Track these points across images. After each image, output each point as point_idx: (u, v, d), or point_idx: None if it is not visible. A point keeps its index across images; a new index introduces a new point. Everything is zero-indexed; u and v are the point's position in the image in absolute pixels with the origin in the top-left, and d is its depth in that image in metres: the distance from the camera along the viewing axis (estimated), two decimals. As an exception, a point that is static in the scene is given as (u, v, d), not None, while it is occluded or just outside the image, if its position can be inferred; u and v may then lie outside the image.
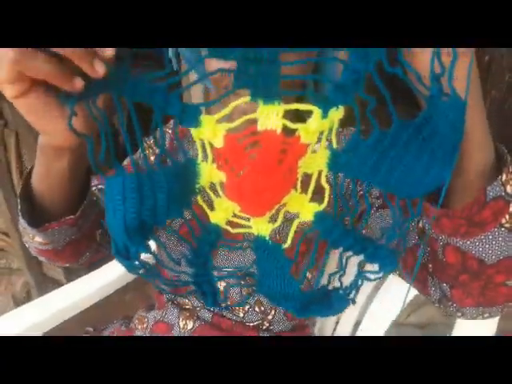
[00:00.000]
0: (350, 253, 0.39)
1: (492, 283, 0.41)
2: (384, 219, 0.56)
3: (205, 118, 0.36)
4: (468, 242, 0.40)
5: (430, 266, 0.48)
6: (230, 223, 0.42)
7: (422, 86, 0.32)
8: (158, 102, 0.35)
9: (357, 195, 0.39)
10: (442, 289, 0.46)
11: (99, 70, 0.32)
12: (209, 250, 0.43)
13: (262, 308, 0.64)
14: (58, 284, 1.67)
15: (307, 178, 0.39)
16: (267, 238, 0.41)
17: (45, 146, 0.42)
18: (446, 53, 0.31)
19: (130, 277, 0.95)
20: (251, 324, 0.65)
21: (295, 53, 0.40)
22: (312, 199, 0.40)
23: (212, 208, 0.42)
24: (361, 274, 0.40)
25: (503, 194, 0.38)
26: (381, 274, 0.39)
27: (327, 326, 0.90)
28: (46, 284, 1.69)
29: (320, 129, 0.36)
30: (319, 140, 0.37)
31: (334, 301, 0.41)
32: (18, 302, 1.69)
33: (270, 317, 0.66)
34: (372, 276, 0.40)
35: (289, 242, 0.40)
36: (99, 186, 0.64)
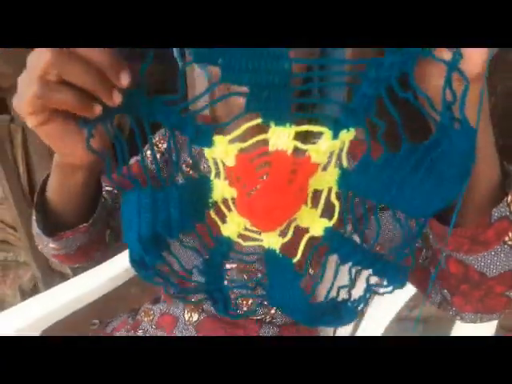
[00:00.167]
0: (358, 267, 0.40)
1: (492, 293, 0.42)
2: (383, 222, 0.57)
3: (217, 139, 0.37)
4: (471, 258, 0.41)
5: (432, 270, 0.48)
6: (241, 236, 0.43)
7: (433, 111, 0.33)
8: (173, 123, 0.36)
9: (367, 213, 0.40)
10: (442, 294, 0.47)
11: (116, 99, 0.33)
12: (221, 261, 0.44)
13: (265, 302, 0.65)
14: (64, 277, 1.69)
15: (318, 193, 0.40)
16: (277, 252, 0.42)
17: (61, 164, 0.44)
18: (457, 79, 0.31)
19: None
20: (255, 317, 0.67)
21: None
22: (322, 215, 0.41)
23: (224, 221, 0.43)
24: (370, 288, 0.41)
25: (508, 214, 0.38)
26: (390, 288, 0.40)
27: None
28: (53, 277, 1.71)
29: (330, 149, 0.37)
30: (329, 159, 0.38)
31: (343, 312, 0.42)
32: (25, 295, 1.71)
33: (272, 311, 0.67)
34: (381, 290, 0.41)
35: (298, 256, 0.41)
36: (106, 188, 0.65)
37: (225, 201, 0.42)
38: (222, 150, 0.38)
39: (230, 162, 0.38)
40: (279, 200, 0.38)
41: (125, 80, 0.33)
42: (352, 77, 0.37)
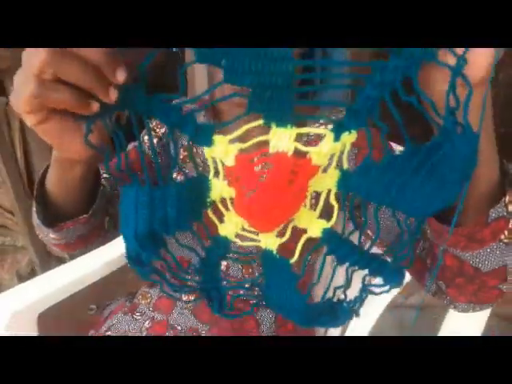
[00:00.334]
0: (355, 267, 0.40)
1: (485, 287, 0.43)
2: (381, 216, 0.57)
3: (217, 138, 0.37)
4: (466, 254, 0.42)
5: (429, 261, 0.49)
6: (238, 236, 0.43)
7: (437, 116, 0.33)
8: (173, 121, 0.36)
9: (366, 214, 0.40)
10: (438, 284, 0.48)
11: (112, 96, 0.33)
12: (217, 261, 0.44)
13: (260, 279, 0.65)
14: (61, 262, 1.69)
15: (317, 195, 0.40)
16: (274, 252, 0.42)
17: (59, 159, 0.45)
18: (461, 84, 0.31)
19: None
20: (251, 301, 0.67)
21: None
22: (320, 216, 0.41)
23: (222, 221, 0.43)
24: (365, 288, 0.42)
25: (505, 214, 0.39)
26: (386, 288, 0.40)
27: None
28: (50, 262, 1.72)
29: (332, 151, 0.37)
30: (330, 161, 0.38)
31: (339, 313, 0.42)
32: (22, 280, 1.71)
33: (260, 279, 0.67)
34: (377, 289, 0.41)
35: (296, 256, 0.41)
36: (105, 176, 0.65)
37: (223, 200, 0.42)
38: (222, 150, 0.38)
39: (230, 161, 0.38)
40: (278, 201, 0.38)
41: (121, 76, 0.33)
42: (355, 79, 0.37)
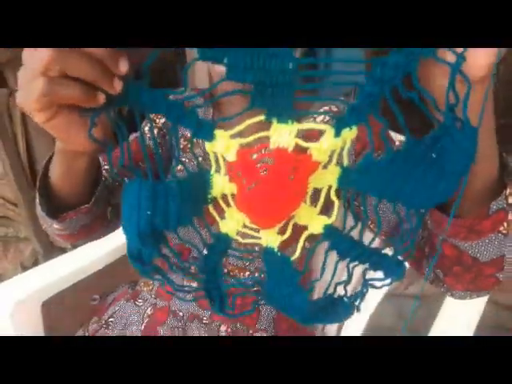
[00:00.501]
0: (355, 262, 0.41)
1: (483, 275, 0.44)
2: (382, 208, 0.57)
3: (219, 133, 0.37)
4: (466, 244, 0.43)
5: (427, 250, 0.49)
6: (240, 233, 0.43)
7: (437, 112, 0.33)
8: (175, 116, 0.36)
9: (366, 209, 0.40)
10: (435, 273, 0.49)
11: (117, 86, 0.33)
12: (218, 259, 0.44)
13: (262, 275, 0.66)
14: (64, 252, 1.70)
15: (317, 191, 0.40)
16: (276, 250, 0.42)
17: (64, 150, 0.45)
18: (461, 81, 0.31)
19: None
20: (252, 299, 0.67)
21: None
22: (321, 212, 0.41)
23: (223, 217, 0.43)
24: (366, 283, 0.42)
25: (505, 205, 0.39)
26: (387, 281, 0.40)
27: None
28: (53, 253, 1.73)
29: (332, 148, 0.37)
30: (331, 158, 0.38)
31: (340, 309, 0.43)
32: (26, 270, 1.72)
33: (262, 276, 0.68)
34: (378, 283, 0.41)
35: (297, 253, 0.41)
36: (106, 167, 0.66)
37: (224, 196, 0.42)
38: (223, 145, 0.38)
39: (231, 156, 0.38)
40: (279, 196, 0.38)
41: (123, 67, 0.33)
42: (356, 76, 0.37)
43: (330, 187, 0.40)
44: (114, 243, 0.93)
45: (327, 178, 0.39)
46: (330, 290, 0.44)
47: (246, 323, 0.67)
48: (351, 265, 0.41)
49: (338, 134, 0.36)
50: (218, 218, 0.42)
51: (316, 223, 0.41)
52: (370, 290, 0.44)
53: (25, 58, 0.32)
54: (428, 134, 0.34)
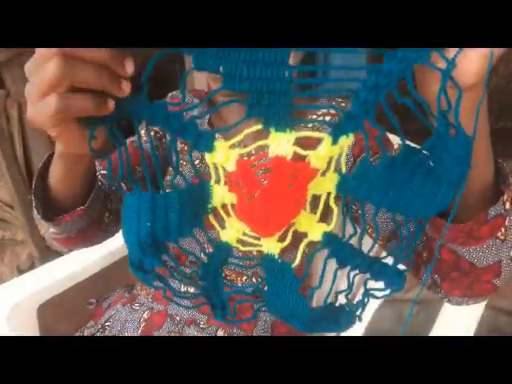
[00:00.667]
0: (356, 271, 0.41)
1: (480, 281, 0.44)
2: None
3: (218, 144, 0.38)
4: (463, 249, 0.43)
5: (425, 255, 0.49)
6: (240, 241, 0.43)
7: (432, 117, 0.33)
8: (175, 127, 0.36)
9: (365, 216, 0.40)
10: (433, 278, 0.49)
11: (125, 88, 0.33)
12: (219, 267, 0.44)
13: (260, 279, 0.65)
14: (61, 256, 1.69)
15: (316, 198, 0.40)
16: (276, 257, 0.43)
17: (65, 154, 0.46)
18: (452, 87, 0.31)
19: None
20: (253, 306, 0.67)
21: None
22: (321, 220, 0.41)
23: (223, 227, 0.43)
24: (367, 292, 0.42)
25: (503, 211, 0.40)
26: (387, 291, 0.41)
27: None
28: (50, 256, 1.72)
29: (330, 155, 0.37)
30: (329, 164, 0.39)
31: (342, 318, 0.43)
32: (22, 274, 1.71)
33: (266, 288, 0.67)
34: (379, 294, 0.41)
35: (297, 261, 0.41)
36: (102, 172, 0.66)
37: (224, 206, 0.42)
38: (223, 156, 0.38)
39: (231, 167, 0.39)
40: (279, 205, 0.39)
41: (130, 68, 0.33)
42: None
43: (328, 194, 0.40)
44: (109, 247, 0.92)
45: (326, 185, 0.40)
46: (331, 299, 0.44)
47: (244, 328, 0.67)
48: (352, 274, 0.41)
49: (335, 141, 0.36)
50: (218, 228, 0.43)
51: (315, 230, 0.41)
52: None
53: (29, 72, 0.32)
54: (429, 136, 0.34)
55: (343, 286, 0.43)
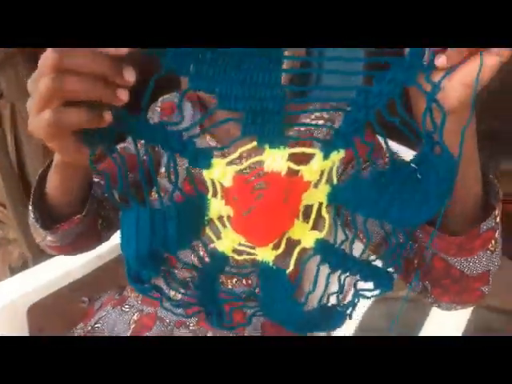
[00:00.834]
0: (347, 274, 0.43)
1: (469, 288, 0.46)
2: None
3: (216, 161, 0.39)
4: (455, 260, 0.44)
5: (416, 262, 0.51)
6: (235, 251, 0.45)
7: (420, 136, 0.34)
8: (173, 146, 0.38)
9: (356, 225, 0.42)
10: (424, 284, 0.51)
11: (123, 96, 0.33)
12: (216, 276, 0.46)
13: (250, 282, 0.65)
14: (52, 255, 1.68)
15: (308, 207, 0.42)
16: (271, 264, 0.44)
17: (64, 164, 0.46)
18: (436, 109, 0.32)
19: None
20: (248, 312, 0.67)
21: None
22: (313, 228, 0.43)
23: (219, 237, 0.44)
24: (357, 293, 0.44)
25: (494, 225, 0.41)
26: (377, 292, 0.43)
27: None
28: (42, 255, 1.71)
29: (321, 168, 0.39)
30: (321, 177, 0.41)
31: (333, 317, 0.45)
32: (14, 273, 1.70)
33: (257, 290, 0.67)
34: (368, 294, 0.43)
35: (291, 267, 0.43)
36: (95, 180, 0.66)
37: (220, 218, 0.44)
38: (220, 172, 0.40)
39: (228, 182, 0.40)
40: (274, 218, 0.41)
41: (130, 76, 0.32)
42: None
43: (320, 204, 0.42)
44: (100, 248, 0.91)
45: (318, 196, 0.42)
46: (323, 301, 0.45)
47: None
48: (342, 276, 0.43)
49: (326, 156, 0.38)
50: (214, 238, 0.44)
51: (308, 238, 0.43)
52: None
53: (29, 87, 0.33)
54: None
55: (334, 287, 0.44)
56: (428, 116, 0.33)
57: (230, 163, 0.40)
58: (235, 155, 0.39)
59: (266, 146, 0.37)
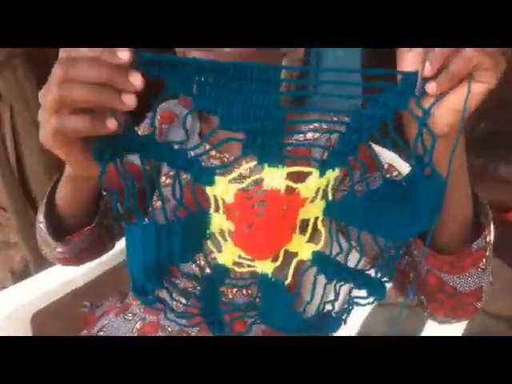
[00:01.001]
0: (342, 283, 0.45)
1: (462, 303, 0.48)
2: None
3: (219, 179, 0.41)
4: (448, 277, 0.46)
5: (411, 275, 0.52)
6: (236, 263, 0.47)
7: (411, 157, 0.37)
8: (179, 163, 0.40)
9: (349, 238, 0.45)
10: (420, 298, 0.52)
11: (129, 102, 0.33)
12: (217, 287, 0.48)
13: (250, 292, 0.67)
14: (54, 264, 1.68)
15: (305, 221, 0.45)
16: (270, 276, 0.46)
17: (75, 176, 0.47)
18: (427, 134, 0.34)
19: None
20: (248, 321, 0.68)
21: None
22: (309, 240, 0.46)
23: (220, 250, 0.46)
24: (352, 301, 0.46)
25: (484, 244, 0.43)
26: (370, 299, 0.45)
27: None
28: (43, 259, 1.71)
29: (317, 186, 0.41)
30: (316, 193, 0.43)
31: (329, 323, 0.48)
32: (15, 276, 1.71)
33: (257, 300, 0.68)
34: (362, 301, 0.46)
35: (289, 278, 0.45)
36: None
37: (221, 232, 0.45)
38: (223, 189, 0.42)
39: (229, 199, 0.42)
40: (274, 234, 0.43)
41: (137, 81, 0.32)
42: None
43: (316, 218, 0.44)
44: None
45: (314, 211, 0.44)
46: (320, 308, 0.48)
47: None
48: (338, 285, 0.45)
49: (322, 174, 0.40)
50: (215, 251, 0.46)
51: (305, 250, 0.45)
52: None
53: (40, 97, 0.34)
54: None
55: (330, 295, 0.47)
56: (419, 140, 0.35)
57: (233, 180, 0.42)
58: (236, 174, 0.41)
59: (266, 165, 0.39)
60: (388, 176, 0.58)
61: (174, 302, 0.48)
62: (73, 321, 0.78)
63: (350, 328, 0.83)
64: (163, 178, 0.70)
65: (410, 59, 0.34)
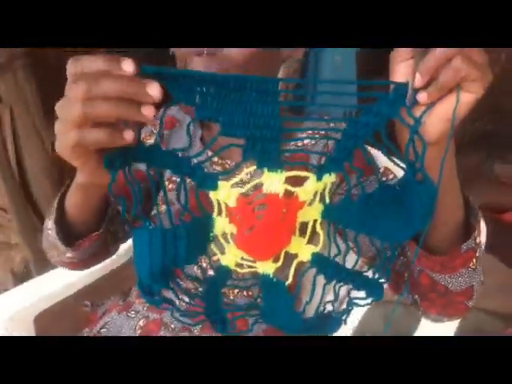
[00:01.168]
0: (341, 284, 0.47)
1: (454, 302, 0.50)
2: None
3: (221, 184, 0.43)
4: (439, 276, 0.48)
5: (406, 275, 0.54)
6: (238, 265, 0.49)
7: (403, 162, 0.39)
8: (183, 170, 0.42)
9: (347, 239, 0.47)
10: (413, 298, 0.54)
11: (148, 113, 0.34)
12: (219, 289, 0.50)
13: (250, 293, 0.68)
14: (55, 267, 1.68)
15: (304, 224, 0.47)
16: (271, 276, 0.48)
17: (86, 184, 0.47)
18: (418, 140, 0.36)
19: (128, 255, 0.97)
20: (250, 320, 0.69)
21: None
22: (309, 242, 0.48)
23: (223, 252, 0.48)
24: (351, 301, 0.48)
25: (474, 245, 0.45)
26: (369, 300, 0.47)
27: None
28: (44, 260, 1.71)
29: (315, 189, 0.43)
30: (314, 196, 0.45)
31: (329, 323, 0.49)
32: (16, 277, 1.71)
33: (258, 300, 0.69)
34: (361, 302, 0.48)
35: (290, 279, 0.47)
36: None
37: (224, 234, 0.47)
38: (225, 193, 0.44)
39: (232, 203, 0.44)
40: (274, 236, 0.45)
41: (156, 92, 0.33)
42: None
43: (315, 221, 0.46)
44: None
45: (312, 213, 0.46)
46: (320, 309, 0.49)
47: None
48: (337, 286, 0.47)
49: (319, 179, 0.42)
50: (218, 253, 0.48)
51: (305, 251, 0.47)
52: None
53: (58, 111, 0.35)
54: None
55: (330, 296, 0.49)
56: (410, 146, 0.37)
57: (235, 185, 0.44)
58: (237, 179, 0.43)
59: (265, 170, 0.41)
60: (384, 179, 0.60)
61: (179, 302, 0.50)
62: (75, 322, 0.78)
63: (347, 325, 0.84)
64: (166, 183, 0.71)
65: (401, 70, 0.36)
